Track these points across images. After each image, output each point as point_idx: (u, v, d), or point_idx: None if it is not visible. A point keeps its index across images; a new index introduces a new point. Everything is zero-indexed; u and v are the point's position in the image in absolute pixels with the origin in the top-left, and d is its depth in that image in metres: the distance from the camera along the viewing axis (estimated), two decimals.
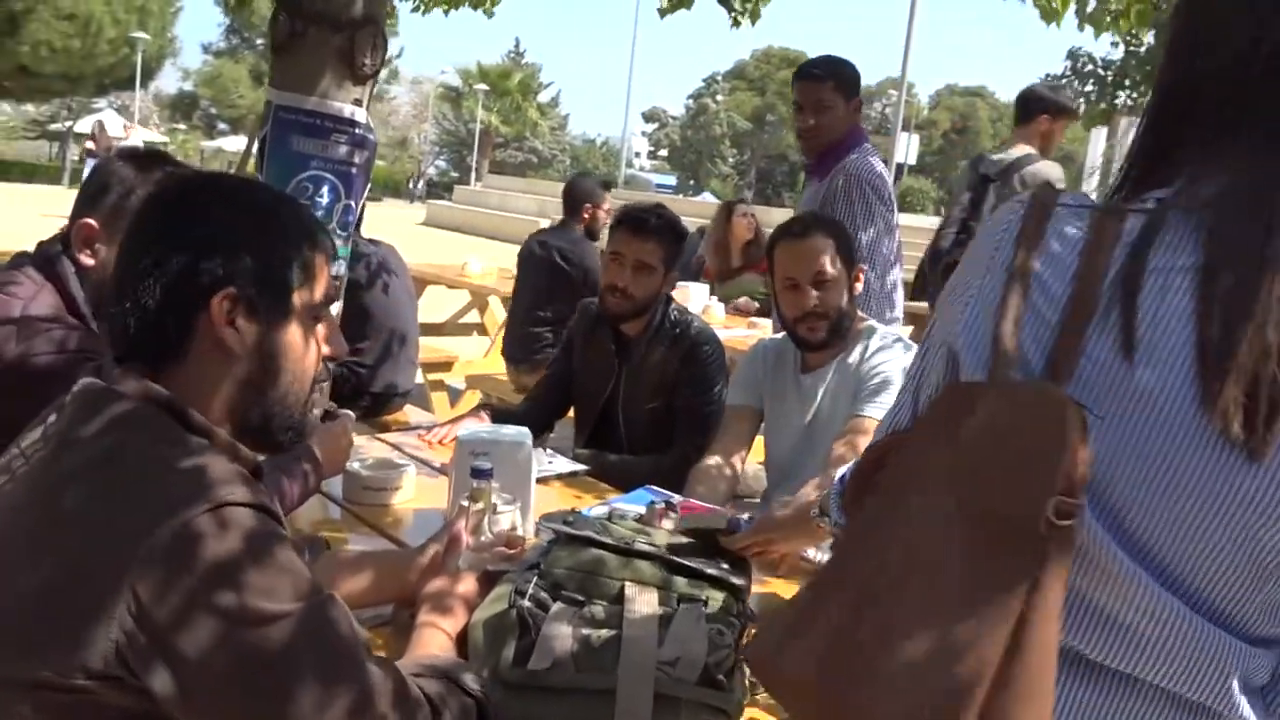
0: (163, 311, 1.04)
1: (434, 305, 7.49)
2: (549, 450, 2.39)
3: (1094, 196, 0.90)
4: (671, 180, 50.04)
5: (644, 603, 1.24)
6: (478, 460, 1.64)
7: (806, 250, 2.25)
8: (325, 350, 1.16)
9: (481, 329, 7.22)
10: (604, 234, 4.63)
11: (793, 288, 2.26)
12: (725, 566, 1.37)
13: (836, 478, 1.14)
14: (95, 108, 32.52)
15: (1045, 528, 0.73)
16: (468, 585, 1.36)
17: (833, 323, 2.25)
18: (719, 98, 51.72)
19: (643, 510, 1.96)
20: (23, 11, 22.00)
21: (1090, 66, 9.65)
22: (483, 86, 40.89)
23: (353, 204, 2.42)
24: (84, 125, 29.46)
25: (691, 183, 49.53)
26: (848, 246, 2.29)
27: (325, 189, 2.35)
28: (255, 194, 1.12)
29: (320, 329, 1.14)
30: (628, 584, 1.27)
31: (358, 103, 2.38)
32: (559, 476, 2.26)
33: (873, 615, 0.78)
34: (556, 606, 1.22)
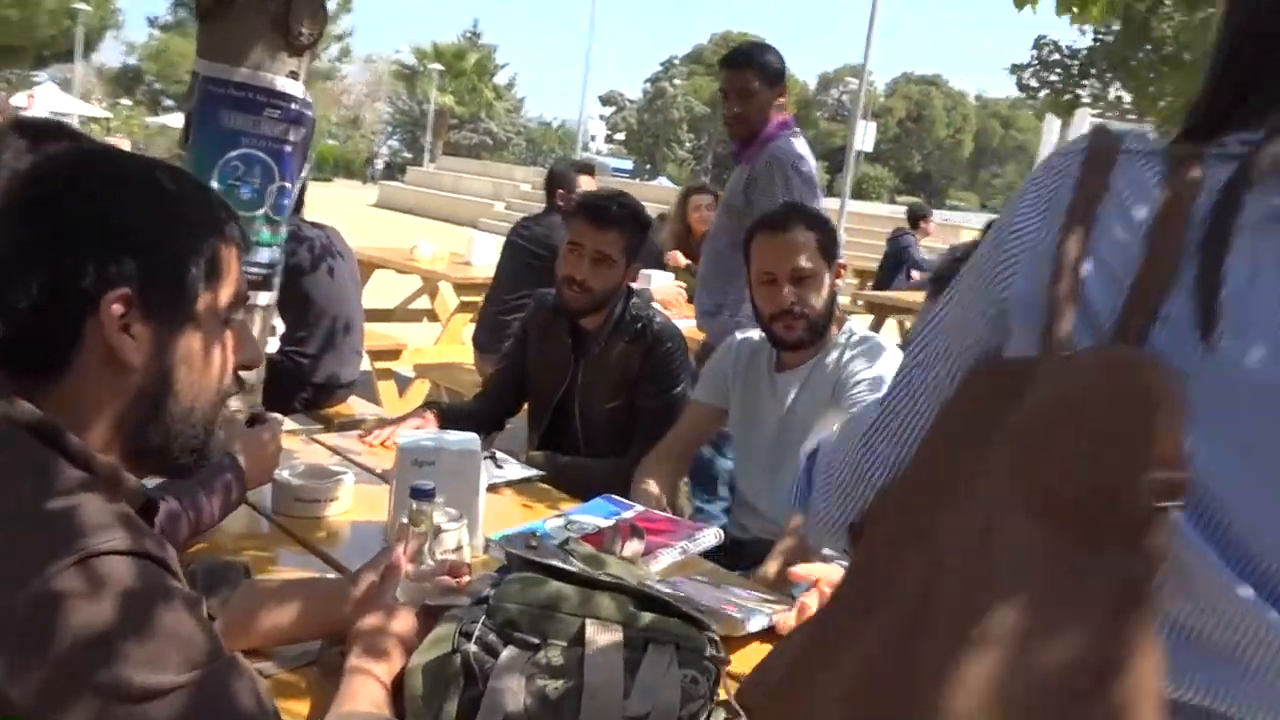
0: (40, 315, 0.86)
1: (382, 290, 7.26)
2: (499, 454, 2.22)
3: None
4: (628, 164, 49.78)
5: (607, 645, 1.10)
6: (419, 478, 1.48)
7: (785, 244, 2.11)
8: (235, 359, 0.99)
9: (432, 315, 7.01)
10: None
11: (769, 283, 2.12)
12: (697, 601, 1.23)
13: (800, 483, 0.98)
14: (35, 81, 31.49)
15: (1146, 506, 0.61)
16: (405, 623, 1.20)
17: (811, 321, 2.12)
18: (677, 82, 51.49)
19: (601, 522, 1.82)
20: None
21: (1056, 56, 9.63)
22: (438, 66, 40.29)
23: (288, 185, 2.24)
24: (20, 98, 28.52)
25: (648, 167, 49.31)
26: (829, 241, 2.15)
27: (257, 169, 2.16)
28: (155, 175, 0.95)
29: (229, 335, 0.97)
30: (588, 623, 1.12)
31: (294, 75, 2.19)
32: (509, 483, 2.09)
33: (926, 646, 0.64)
34: (507, 652, 1.07)
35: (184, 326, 0.91)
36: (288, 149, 2.21)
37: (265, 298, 2.32)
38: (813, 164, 3.21)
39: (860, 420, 0.87)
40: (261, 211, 2.20)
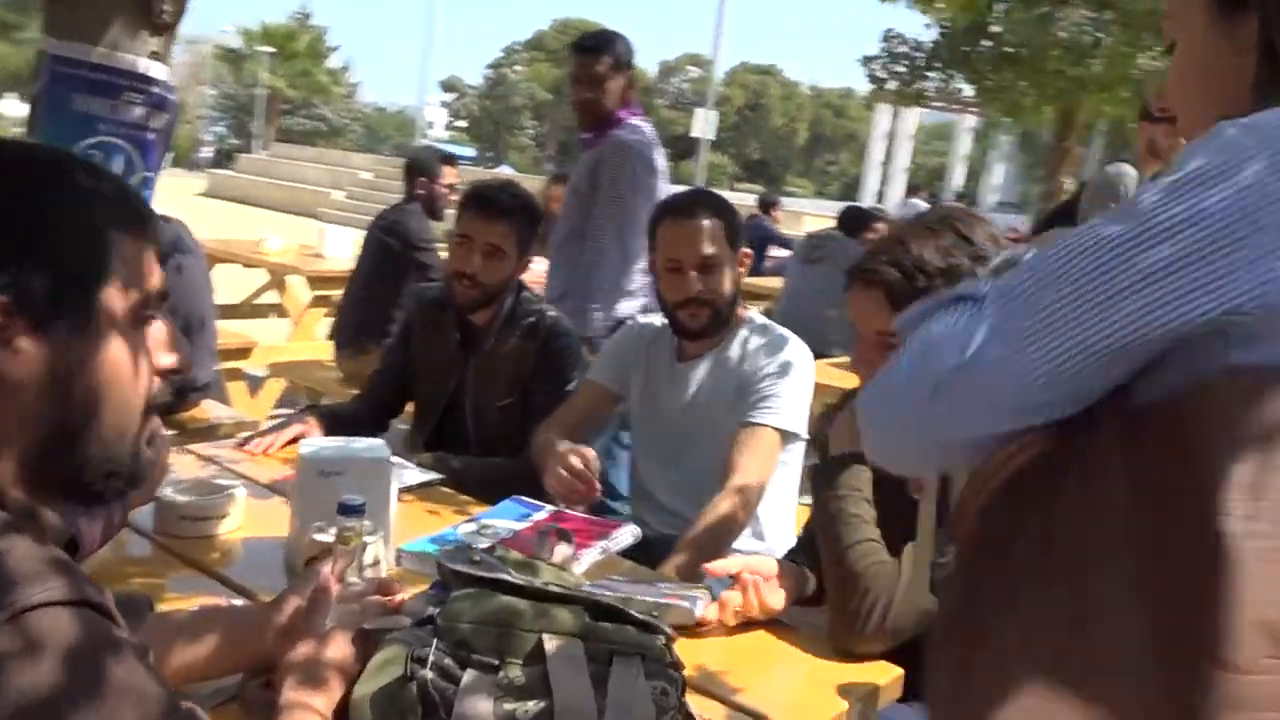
0: None
1: (226, 285, 6.88)
2: (395, 459, 2.12)
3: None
4: (471, 152, 49.05)
5: (569, 660, 1.04)
6: (327, 490, 1.39)
7: (692, 231, 2.08)
8: (163, 363, 0.88)
9: (280, 310, 6.70)
10: (449, 213, 4.36)
11: (675, 270, 2.08)
12: (645, 606, 1.19)
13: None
14: None
15: None
16: (341, 649, 1.11)
17: (716, 310, 2.10)
18: (518, 68, 50.96)
19: (515, 525, 1.76)
20: None
21: (903, 48, 9.99)
22: (267, 48, 38.54)
23: (151, 175, 2.06)
24: None
25: (491, 155, 48.66)
26: (734, 228, 2.12)
27: (118, 158, 1.98)
28: (34, 159, 0.82)
29: (146, 338, 0.86)
30: (545, 638, 1.07)
31: (156, 56, 2.01)
32: (409, 489, 2.00)
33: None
34: (469, 675, 1.00)
35: (83, 335, 0.80)
36: (150, 136, 2.03)
37: None
38: (658, 151, 3.27)
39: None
40: None
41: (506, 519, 1.78)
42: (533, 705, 0.98)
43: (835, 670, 1.37)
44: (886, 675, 1.37)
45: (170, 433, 3.67)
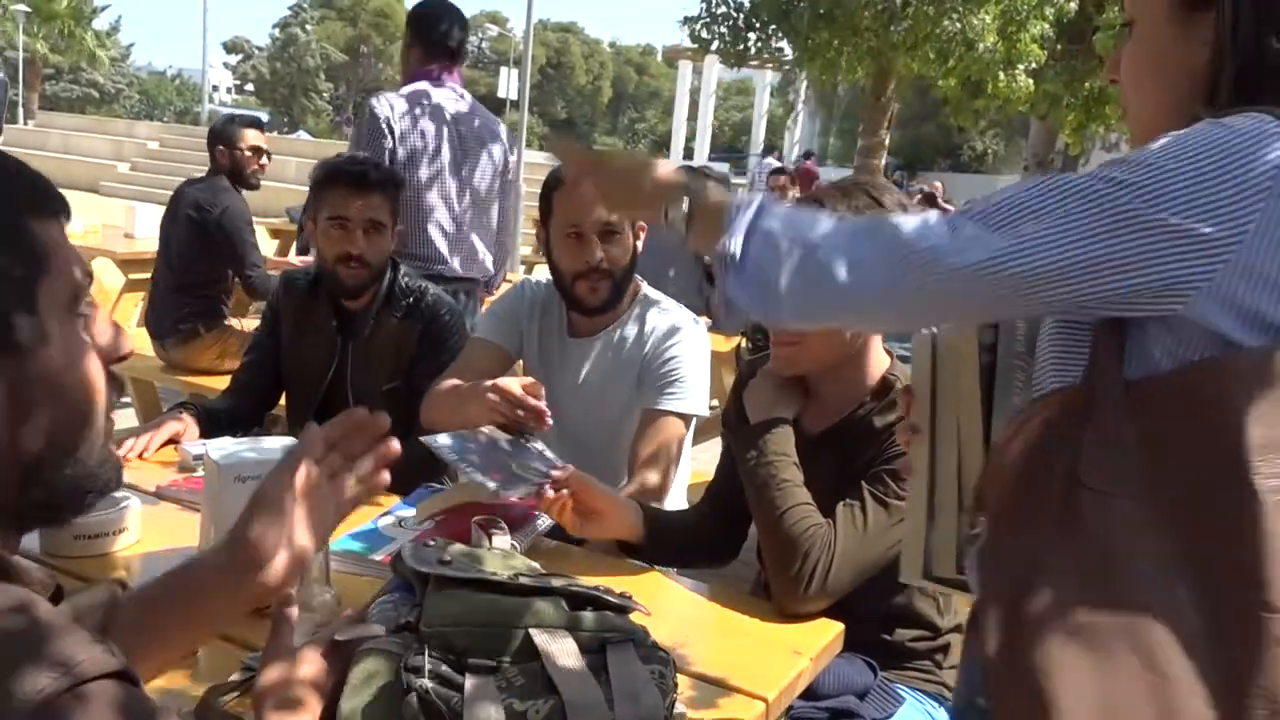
0: None
1: None
2: None
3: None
4: (264, 116, 46.54)
5: (564, 654, 1.04)
6: (242, 495, 1.30)
7: (588, 200, 2.03)
8: (112, 351, 0.79)
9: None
10: (260, 180, 4.11)
11: (575, 236, 1.99)
12: (619, 592, 1.19)
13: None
14: None
15: None
16: (314, 667, 1.05)
17: (615, 282, 2.03)
18: (309, 27, 48.55)
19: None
20: None
21: (724, 8, 10.13)
22: (22, 8, 35.10)
23: None
24: None
25: (286, 119, 46.32)
26: None
27: None
28: None
29: (84, 330, 0.75)
30: (533, 633, 1.06)
31: None
32: None
33: None
34: (472, 681, 0.99)
35: (31, 345, 0.70)
36: None
37: None
38: (399, 117, 3.21)
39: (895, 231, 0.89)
40: None
41: (414, 508, 1.74)
42: (541, 703, 0.97)
43: (784, 631, 1.42)
44: (831, 631, 1.43)
45: None
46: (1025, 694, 0.75)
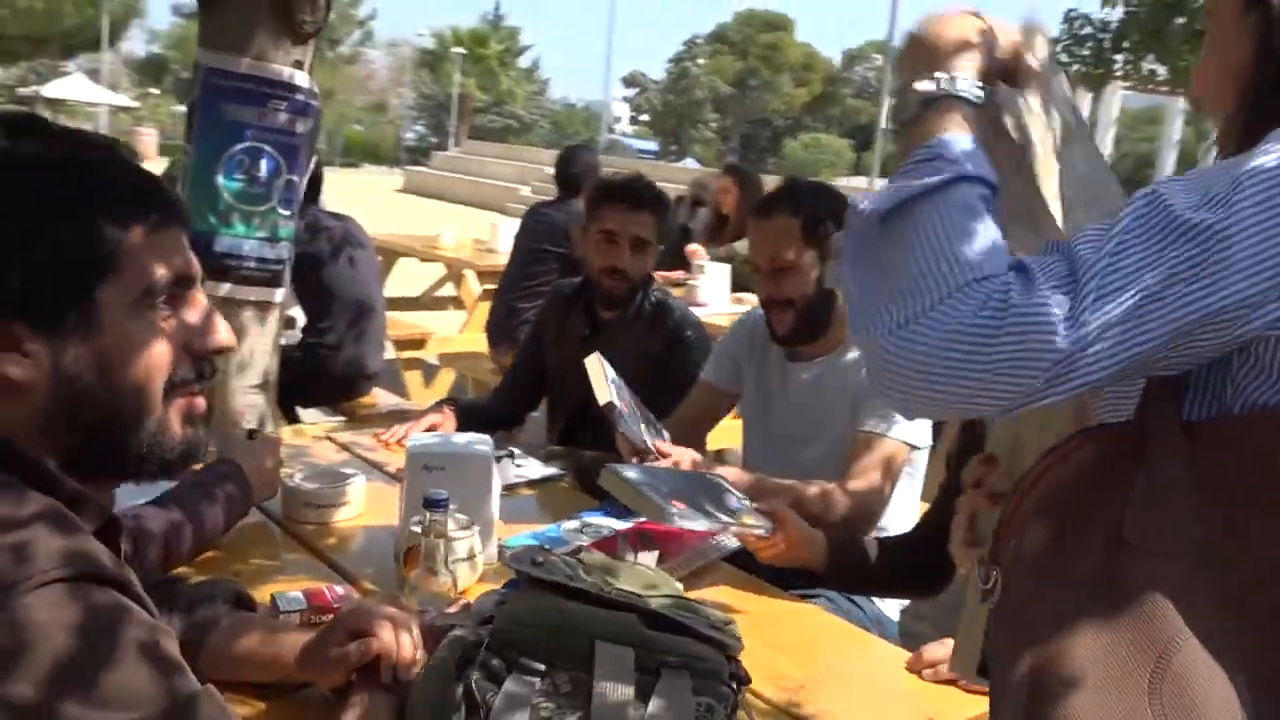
0: None
1: (407, 278, 7.23)
2: (517, 452, 2.16)
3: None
4: (653, 145, 49.54)
5: (617, 668, 1.03)
6: (429, 483, 1.42)
7: (767, 233, 2.02)
8: (199, 344, 0.89)
9: (458, 302, 6.97)
10: None
11: (757, 272, 2.05)
12: (718, 618, 1.16)
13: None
14: (64, 71, 31.70)
15: None
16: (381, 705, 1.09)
17: (800, 313, 2.01)
18: (700, 61, 51.11)
19: (616, 524, 1.75)
20: None
21: (1088, 29, 9.37)
22: (459, 50, 40.23)
23: (295, 179, 2.18)
24: (54, 90, 28.72)
25: (674, 148, 49.05)
26: (816, 225, 1.99)
27: (263, 162, 2.10)
28: (23, 163, 0.81)
29: (164, 324, 0.86)
30: (598, 644, 1.06)
31: (299, 65, 2.12)
32: (529, 484, 2.03)
33: None
34: (510, 684, 1.01)
35: (86, 331, 0.81)
36: (295, 140, 2.15)
37: (279, 294, 2.26)
38: None
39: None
40: (269, 206, 2.14)
41: (611, 518, 1.78)
42: (571, 715, 0.97)
43: (924, 693, 1.30)
44: (976, 707, 1.28)
45: (337, 419, 3.89)
46: None
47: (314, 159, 4.12)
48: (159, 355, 0.86)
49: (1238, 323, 0.65)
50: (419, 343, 5.20)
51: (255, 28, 2.04)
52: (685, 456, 1.86)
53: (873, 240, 0.76)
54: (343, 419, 3.84)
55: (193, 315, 0.90)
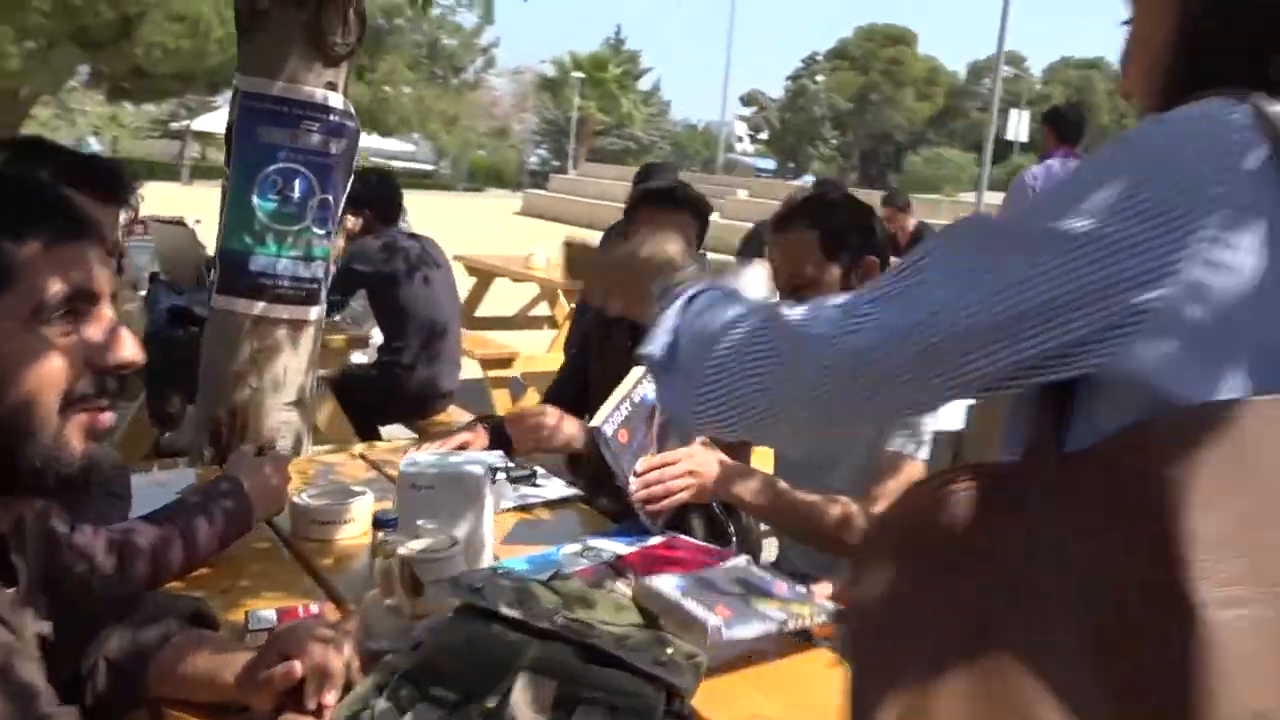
0: None
1: (504, 298, 7.34)
2: (540, 470, 2.13)
3: None
4: (771, 164, 49.28)
5: (531, 702, 0.98)
6: (418, 503, 1.40)
7: (783, 248, 1.93)
8: (100, 359, 0.88)
9: (552, 322, 7.04)
10: None
11: (779, 288, 1.96)
12: (669, 653, 1.09)
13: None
14: (212, 105, 33.52)
15: None
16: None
17: None
18: (819, 78, 50.64)
19: (621, 549, 1.70)
20: (136, 15, 22.77)
21: None
22: (579, 75, 40.93)
23: (330, 198, 2.21)
24: (202, 123, 30.40)
25: (791, 165, 48.68)
26: (837, 236, 1.89)
27: (297, 182, 2.14)
28: None
29: (71, 334, 0.86)
30: (521, 676, 1.01)
31: (331, 86, 2.15)
32: (546, 504, 2.00)
33: None
34: (416, 713, 0.97)
35: None
36: (328, 160, 2.18)
37: (314, 312, 2.29)
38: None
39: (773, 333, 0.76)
40: (303, 225, 2.17)
41: (616, 541, 1.73)
42: None
43: None
44: None
45: (410, 437, 3.94)
46: None
47: (393, 180, 4.22)
48: (52, 370, 0.86)
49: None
50: (506, 362, 5.26)
51: (288, 51, 2.07)
52: (683, 453, 1.81)
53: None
54: (415, 437, 3.89)
55: (95, 330, 0.89)
